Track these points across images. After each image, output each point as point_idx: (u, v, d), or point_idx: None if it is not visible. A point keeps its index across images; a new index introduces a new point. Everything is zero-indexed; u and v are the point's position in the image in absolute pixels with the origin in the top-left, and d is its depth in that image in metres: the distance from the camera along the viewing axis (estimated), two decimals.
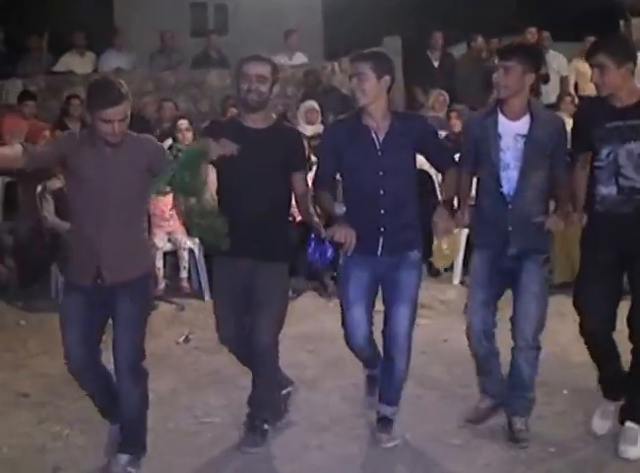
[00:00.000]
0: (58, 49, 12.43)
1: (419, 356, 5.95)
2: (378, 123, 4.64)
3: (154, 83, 11.86)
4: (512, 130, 4.69)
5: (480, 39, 12.04)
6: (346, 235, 4.43)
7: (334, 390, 5.64)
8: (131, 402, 4.56)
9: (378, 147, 4.62)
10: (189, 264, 7.97)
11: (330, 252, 4.59)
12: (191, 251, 7.93)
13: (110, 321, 4.50)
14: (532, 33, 11.79)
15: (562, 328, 5.98)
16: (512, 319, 4.82)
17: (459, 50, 12.61)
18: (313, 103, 10.26)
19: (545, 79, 11.49)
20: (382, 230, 4.65)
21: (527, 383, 4.86)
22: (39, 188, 7.85)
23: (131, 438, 4.64)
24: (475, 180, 4.94)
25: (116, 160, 4.34)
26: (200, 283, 7.93)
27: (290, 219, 7.84)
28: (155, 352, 6.33)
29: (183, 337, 6.78)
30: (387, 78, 4.61)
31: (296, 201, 4.89)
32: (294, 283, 7.72)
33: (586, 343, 4.77)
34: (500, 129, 4.70)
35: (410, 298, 4.74)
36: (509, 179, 4.69)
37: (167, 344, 6.69)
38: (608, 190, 4.59)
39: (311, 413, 5.27)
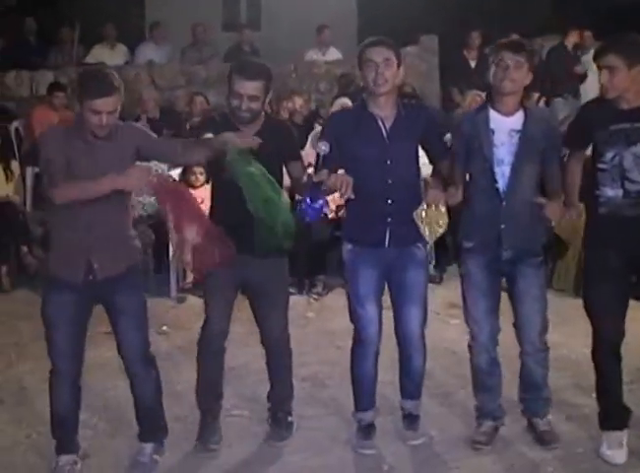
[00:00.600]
0: (89, 41, 12.51)
1: (450, 355, 5.99)
2: (385, 112, 4.58)
3: (185, 76, 11.88)
4: (506, 126, 4.61)
5: (515, 38, 11.95)
6: (341, 180, 4.33)
7: None
8: (147, 391, 4.63)
9: (385, 135, 4.57)
10: None
11: (321, 203, 4.35)
12: None
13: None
14: (574, 35, 11.76)
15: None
16: (515, 325, 4.78)
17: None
18: (347, 101, 10.22)
19: (582, 78, 11.43)
20: (389, 220, 4.60)
21: (540, 384, 4.84)
22: None
23: (152, 425, 4.71)
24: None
25: (105, 152, 4.29)
26: None
27: (323, 216, 7.87)
28: (183, 344, 6.42)
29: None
30: (401, 69, 4.57)
31: (292, 185, 5.00)
32: (324, 279, 7.73)
33: (597, 356, 4.67)
34: (493, 125, 4.61)
35: (419, 297, 4.72)
36: (503, 175, 4.60)
37: (196, 337, 6.60)
38: (613, 192, 4.50)
39: (339, 408, 5.27)
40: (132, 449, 4.79)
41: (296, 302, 7.52)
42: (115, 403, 5.36)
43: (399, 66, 4.53)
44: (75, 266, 4.33)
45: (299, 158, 4.93)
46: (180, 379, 5.63)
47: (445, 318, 6.90)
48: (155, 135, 4.63)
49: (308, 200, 4.31)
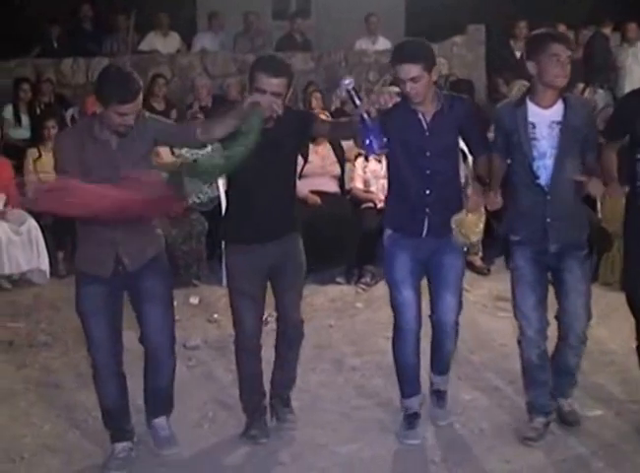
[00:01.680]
0: (143, 29, 12.62)
1: (498, 349, 6.02)
2: (426, 106, 4.60)
3: (237, 65, 11.96)
4: (546, 118, 4.57)
5: (562, 29, 11.90)
6: (380, 96, 4.34)
7: None
8: (167, 372, 4.74)
9: (425, 127, 4.60)
10: None
11: (377, 129, 4.30)
12: None
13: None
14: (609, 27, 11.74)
15: None
16: (559, 318, 4.77)
17: None
18: (396, 89, 10.25)
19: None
20: (428, 210, 4.65)
21: (573, 371, 4.93)
22: None
23: (167, 402, 4.84)
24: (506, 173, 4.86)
25: (123, 148, 4.32)
26: None
27: (372, 205, 7.95)
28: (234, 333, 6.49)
29: (262, 318, 6.81)
30: (435, 68, 4.53)
31: (332, 134, 5.09)
32: (373, 269, 7.77)
33: None
34: (533, 118, 4.58)
35: (455, 283, 4.78)
36: (546, 169, 4.57)
37: None
38: None
39: (389, 399, 5.30)
40: (187, 436, 4.90)
41: (345, 292, 7.62)
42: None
43: (431, 70, 4.48)
44: (104, 261, 4.40)
45: (315, 117, 4.94)
46: (231, 367, 5.68)
47: (493, 311, 6.91)
48: (170, 121, 4.65)
49: (371, 141, 4.31)
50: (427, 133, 4.59)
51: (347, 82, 4.34)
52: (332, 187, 8.30)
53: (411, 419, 4.91)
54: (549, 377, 4.84)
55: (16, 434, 4.93)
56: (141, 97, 4.24)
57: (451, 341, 4.89)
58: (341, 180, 8.48)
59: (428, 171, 4.61)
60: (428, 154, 4.60)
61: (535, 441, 4.77)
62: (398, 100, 4.39)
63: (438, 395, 5.07)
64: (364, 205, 8.02)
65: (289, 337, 4.92)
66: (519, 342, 4.81)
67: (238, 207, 4.71)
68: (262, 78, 4.42)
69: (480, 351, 6.04)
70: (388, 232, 4.80)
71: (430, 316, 4.86)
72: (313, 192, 7.98)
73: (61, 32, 12.40)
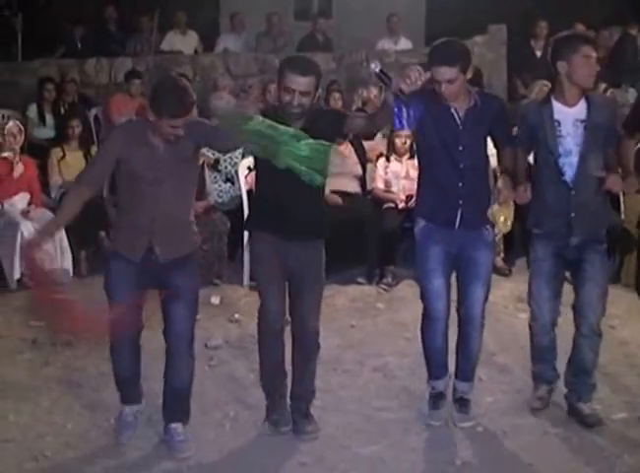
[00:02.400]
0: (164, 29, 12.68)
1: (520, 349, 5.94)
2: (459, 102, 4.70)
3: (259, 65, 11.98)
4: (571, 116, 4.76)
5: (582, 29, 11.85)
6: (410, 72, 4.28)
7: None
8: (185, 374, 4.75)
9: (459, 122, 4.70)
10: None
11: (409, 106, 4.37)
12: None
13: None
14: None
15: None
16: (575, 308, 4.93)
17: None
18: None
19: None
20: (460, 202, 4.75)
21: (589, 370, 4.99)
22: None
23: (183, 406, 4.83)
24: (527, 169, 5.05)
25: (168, 154, 4.44)
26: None
27: (392, 205, 7.95)
28: (255, 333, 6.38)
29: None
30: (469, 69, 4.61)
31: (369, 126, 4.95)
32: (394, 270, 7.77)
33: None
34: (558, 116, 4.77)
35: (484, 277, 4.86)
36: (571, 165, 4.76)
37: None
38: None
39: (411, 400, 5.33)
40: (208, 435, 4.92)
41: (366, 292, 7.62)
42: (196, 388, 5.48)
43: (466, 71, 4.60)
44: (136, 246, 4.53)
45: (345, 115, 4.88)
46: (252, 367, 5.72)
47: (514, 312, 6.89)
48: (210, 124, 4.73)
49: (397, 110, 4.37)
50: (461, 127, 4.70)
51: (373, 66, 4.39)
52: (353, 187, 8.31)
53: (436, 399, 5.06)
54: (555, 355, 5.13)
55: (38, 432, 4.95)
56: (194, 109, 4.38)
57: (477, 336, 4.94)
58: (362, 181, 8.48)
59: (462, 165, 4.72)
60: (461, 148, 4.71)
61: (541, 410, 5.07)
62: (427, 76, 4.39)
63: (462, 403, 5.08)
64: (385, 205, 8.02)
65: (306, 347, 4.88)
66: (530, 326, 5.11)
67: (266, 204, 4.74)
68: (290, 77, 4.48)
69: (501, 352, 6.03)
70: (421, 222, 4.89)
71: (458, 310, 4.94)
72: (334, 192, 7.98)
73: (85, 32, 12.45)
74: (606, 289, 4.94)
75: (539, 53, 11.76)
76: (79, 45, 12.37)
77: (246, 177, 7.94)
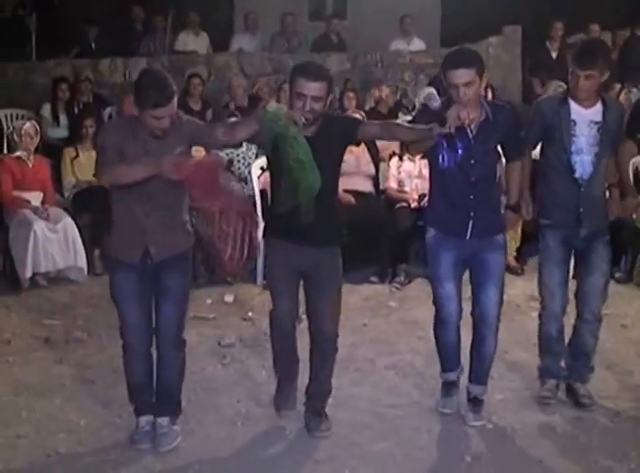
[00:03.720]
0: (178, 29, 12.73)
1: (532, 348, 5.88)
2: (472, 109, 4.58)
3: (273, 65, 12.01)
4: (586, 117, 4.94)
5: (596, 29, 11.85)
6: (458, 113, 4.36)
7: None
8: (172, 372, 4.79)
9: (471, 136, 4.70)
10: None
11: (458, 149, 4.60)
12: None
13: None
14: None
15: None
16: (578, 295, 5.14)
17: (577, 41, 12.41)
18: (433, 90, 10.23)
19: None
20: (472, 214, 4.79)
21: (589, 354, 5.21)
22: None
23: (169, 401, 4.88)
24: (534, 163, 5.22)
25: (160, 149, 4.41)
26: None
27: (405, 204, 7.95)
28: (269, 331, 6.50)
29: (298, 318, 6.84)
30: (484, 76, 4.62)
31: (384, 134, 4.93)
32: (407, 268, 7.78)
33: None
34: (574, 116, 4.94)
35: (497, 279, 4.88)
36: (582, 163, 4.96)
37: None
38: None
39: (422, 397, 5.34)
40: (220, 433, 4.93)
41: (379, 291, 7.63)
42: (203, 387, 5.50)
43: (482, 76, 4.60)
44: (133, 248, 4.57)
45: (359, 122, 4.86)
46: (265, 365, 5.75)
47: (527, 311, 6.89)
48: (202, 123, 4.78)
49: (450, 160, 4.58)
50: (473, 142, 4.70)
51: (436, 104, 4.70)
52: (366, 187, 8.31)
53: (448, 387, 5.17)
54: (564, 349, 5.23)
55: (51, 429, 4.97)
56: (175, 100, 4.35)
57: (493, 337, 4.95)
58: (375, 180, 8.49)
59: (473, 179, 4.75)
60: (473, 162, 4.72)
61: (550, 400, 5.19)
62: (473, 116, 4.48)
63: (475, 402, 5.10)
64: (398, 205, 8.02)
65: (322, 350, 4.90)
66: (540, 316, 5.23)
67: (278, 211, 4.70)
68: (302, 82, 4.45)
69: (513, 350, 6.03)
70: (432, 231, 4.93)
71: (472, 313, 4.97)
72: (347, 192, 7.99)
73: (99, 32, 12.49)
74: (609, 278, 5.17)
75: (554, 54, 11.76)
76: (93, 45, 12.42)
77: (259, 178, 7.96)
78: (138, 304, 4.63)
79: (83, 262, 7.88)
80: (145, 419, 4.85)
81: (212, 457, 4.71)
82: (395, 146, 8.45)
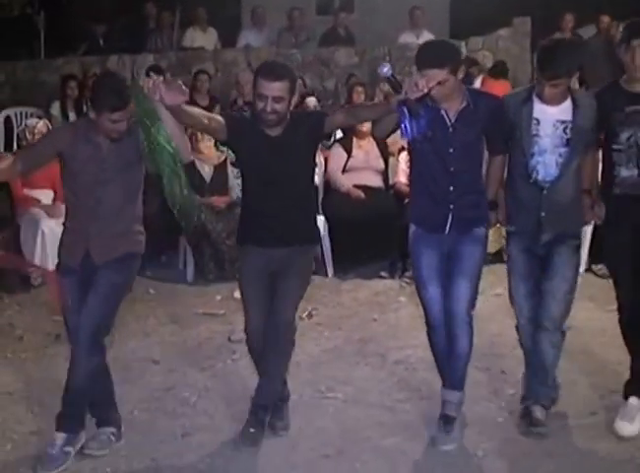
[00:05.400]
0: (184, 26, 12.76)
1: None
2: (449, 103, 4.52)
3: (281, 60, 11.98)
4: (552, 116, 4.61)
5: (607, 21, 11.81)
6: (414, 82, 4.11)
7: None
8: (80, 374, 4.50)
9: (449, 124, 4.54)
10: None
11: (421, 118, 4.16)
12: None
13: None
14: None
15: None
16: (540, 301, 4.78)
17: (588, 32, 12.39)
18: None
19: None
20: (451, 207, 4.62)
21: (549, 369, 4.85)
22: None
23: (71, 412, 4.60)
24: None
25: (113, 153, 4.41)
26: (324, 260, 7.98)
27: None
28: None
29: (306, 312, 6.83)
30: (461, 67, 4.47)
31: (350, 120, 4.92)
32: None
33: (625, 328, 4.80)
34: (538, 115, 4.61)
35: (470, 273, 4.66)
36: (545, 166, 4.64)
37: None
38: (628, 173, 4.64)
39: (432, 392, 5.26)
40: (231, 428, 4.91)
41: (389, 286, 7.63)
42: (214, 382, 5.52)
43: (457, 72, 4.42)
44: (75, 252, 4.51)
45: (324, 114, 4.71)
46: None
47: None
48: None
49: (414, 129, 4.20)
50: (451, 130, 4.54)
51: (385, 70, 4.17)
52: (375, 182, 8.31)
53: (445, 419, 4.78)
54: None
55: None
56: (131, 104, 4.34)
57: (465, 336, 4.69)
58: (384, 175, 8.48)
59: (452, 169, 4.58)
60: (451, 150, 4.56)
61: (544, 428, 4.76)
62: (435, 82, 4.27)
63: (446, 420, 4.78)
64: (408, 199, 7.99)
65: (275, 338, 4.65)
66: (516, 328, 4.94)
67: (250, 212, 4.70)
68: (262, 83, 4.38)
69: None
70: (413, 227, 4.78)
71: (444, 308, 4.73)
72: (357, 187, 8.01)
73: (107, 29, 12.52)
74: (573, 287, 4.77)
75: None
76: (101, 42, 12.44)
77: None
78: (77, 308, 4.49)
79: None
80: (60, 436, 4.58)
81: (223, 452, 4.71)
82: (404, 140, 8.43)
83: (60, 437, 4.55)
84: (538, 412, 4.81)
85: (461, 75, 4.49)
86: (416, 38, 12.38)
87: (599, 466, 4.54)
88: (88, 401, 4.66)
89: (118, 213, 4.50)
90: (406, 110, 4.17)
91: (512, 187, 4.80)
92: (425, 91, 4.14)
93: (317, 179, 8.22)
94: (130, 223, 4.59)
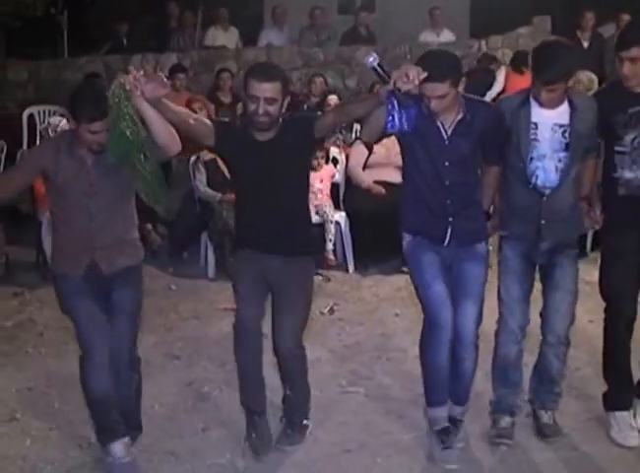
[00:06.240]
0: (206, 25, 12.81)
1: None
2: (445, 115, 4.31)
3: (302, 59, 12.03)
4: (549, 120, 4.42)
5: (627, 19, 11.73)
6: (408, 71, 3.89)
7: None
8: (126, 392, 4.56)
9: (445, 136, 4.34)
10: (335, 237, 8.02)
11: (411, 108, 4.02)
12: (337, 224, 8.00)
13: None
14: None
15: None
16: (542, 314, 4.64)
17: (608, 30, 12.33)
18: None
19: None
20: (451, 220, 4.41)
21: (555, 378, 4.74)
22: (193, 159, 8.07)
23: (130, 424, 4.63)
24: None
25: (98, 166, 4.30)
26: (345, 255, 8.01)
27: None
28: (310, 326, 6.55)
29: (328, 308, 6.86)
30: (460, 82, 4.25)
31: (338, 120, 4.65)
32: None
33: (610, 335, 4.70)
34: (536, 118, 4.43)
35: (475, 294, 4.46)
36: (545, 171, 4.45)
37: (312, 314, 6.74)
38: (632, 174, 4.50)
39: None
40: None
41: (409, 281, 7.53)
42: (234, 377, 5.50)
43: (458, 84, 4.22)
44: (78, 263, 4.39)
45: (315, 117, 4.59)
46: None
47: None
48: None
49: (402, 121, 4.02)
50: (447, 142, 4.35)
51: (371, 59, 3.98)
52: (396, 178, 8.23)
53: (443, 435, 4.59)
54: (521, 378, 4.78)
55: (83, 420, 4.97)
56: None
57: (471, 357, 4.54)
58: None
59: (447, 182, 4.37)
60: (447, 164, 4.35)
61: (506, 441, 4.66)
62: (425, 75, 3.97)
63: (447, 430, 4.60)
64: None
65: (286, 367, 4.63)
66: (496, 336, 4.70)
67: (243, 217, 4.61)
68: (253, 84, 4.25)
69: None
70: (407, 237, 4.56)
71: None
72: (377, 183, 8.00)
73: (130, 28, 12.58)
74: (576, 296, 4.63)
75: (585, 44, 11.68)
76: (124, 41, 12.50)
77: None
78: (93, 311, 4.39)
79: None
80: (119, 444, 4.46)
81: (243, 447, 4.69)
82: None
83: (115, 445, 4.46)
84: (545, 417, 4.77)
85: (461, 87, 4.28)
86: (436, 37, 12.41)
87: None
88: (140, 408, 4.76)
89: (114, 222, 4.40)
90: (395, 101, 4.00)
91: (508, 194, 4.60)
92: (417, 82, 3.93)
93: (338, 176, 8.28)
94: (129, 227, 4.52)
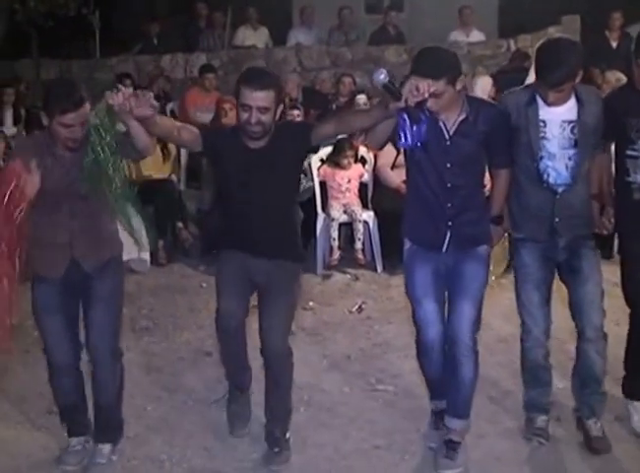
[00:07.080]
0: (236, 25, 12.91)
1: None
2: (447, 114, 4.25)
3: (331, 58, 12.10)
4: (558, 117, 4.35)
5: None
6: (414, 86, 3.86)
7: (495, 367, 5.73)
8: (110, 389, 4.52)
9: (447, 137, 4.27)
10: (363, 236, 8.07)
11: (423, 120, 3.99)
12: (366, 223, 8.04)
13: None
14: None
15: None
16: (575, 311, 4.56)
17: (636, 30, 12.29)
18: (489, 79, 10.19)
19: None
20: (450, 224, 4.33)
21: (600, 377, 4.61)
22: None
23: (111, 424, 4.63)
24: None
25: (76, 163, 4.19)
26: (373, 254, 8.05)
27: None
28: (329, 320, 6.63)
29: (357, 306, 6.92)
30: (460, 77, 4.20)
31: (337, 130, 4.50)
32: None
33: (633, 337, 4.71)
34: (544, 116, 4.36)
35: (473, 295, 4.34)
36: (556, 168, 4.38)
37: (341, 313, 6.86)
38: None
39: (482, 385, 5.13)
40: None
41: None
42: (263, 375, 5.58)
43: (455, 82, 4.15)
44: (58, 264, 4.31)
45: (311, 125, 4.51)
46: (326, 354, 5.91)
47: None
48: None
49: (412, 138, 4.03)
50: (449, 143, 4.27)
51: (381, 77, 3.91)
52: None
53: (436, 417, 4.72)
54: (552, 377, 4.75)
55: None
56: (86, 107, 4.09)
57: (470, 362, 4.38)
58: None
59: (449, 184, 4.30)
60: (449, 165, 4.28)
61: (543, 440, 4.67)
62: (434, 88, 3.98)
63: (449, 446, 4.50)
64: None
65: (273, 371, 4.55)
66: (522, 341, 4.65)
67: (229, 220, 4.53)
68: (245, 92, 4.13)
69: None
70: (407, 243, 4.53)
71: (446, 332, 4.42)
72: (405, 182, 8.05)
73: (161, 29, 12.69)
74: (602, 287, 4.54)
75: (614, 44, 11.67)
76: (155, 42, 12.61)
77: (319, 170, 8.07)
78: (60, 319, 4.35)
79: (146, 254, 8.02)
80: (76, 440, 4.61)
81: None
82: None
83: (106, 447, 4.60)
84: (594, 429, 4.64)
85: (460, 86, 4.21)
86: (465, 37, 12.45)
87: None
88: (121, 409, 4.69)
89: (94, 218, 4.33)
90: (407, 117, 3.98)
91: (519, 194, 4.51)
92: (426, 95, 3.91)
93: (367, 176, 8.33)
94: (108, 229, 4.45)
